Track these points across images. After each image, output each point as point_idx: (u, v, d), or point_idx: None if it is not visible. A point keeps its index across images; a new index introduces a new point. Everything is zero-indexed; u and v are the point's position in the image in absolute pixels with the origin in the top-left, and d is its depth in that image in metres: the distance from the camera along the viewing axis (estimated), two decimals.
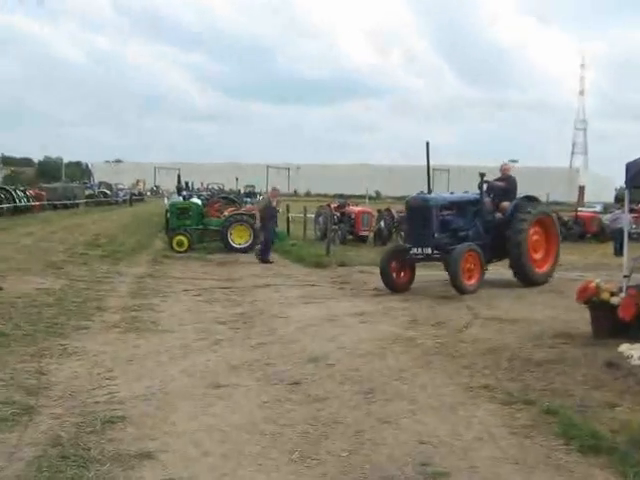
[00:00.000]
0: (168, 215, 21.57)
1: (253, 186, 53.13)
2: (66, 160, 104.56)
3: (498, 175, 14.40)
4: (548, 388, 6.49)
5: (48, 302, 10.59)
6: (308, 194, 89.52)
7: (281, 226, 23.30)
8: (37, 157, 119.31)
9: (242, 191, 39.73)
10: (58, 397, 6.07)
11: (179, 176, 27.61)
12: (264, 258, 17.75)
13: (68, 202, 45.46)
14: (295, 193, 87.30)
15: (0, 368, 6.82)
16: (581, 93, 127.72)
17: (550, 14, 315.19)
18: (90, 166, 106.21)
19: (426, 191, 13.61)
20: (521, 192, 14.18)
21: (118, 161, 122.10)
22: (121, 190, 67.48)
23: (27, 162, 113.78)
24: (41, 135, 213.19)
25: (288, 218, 24.56)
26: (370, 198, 54.98)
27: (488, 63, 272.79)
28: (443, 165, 69.08)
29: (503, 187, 13.93)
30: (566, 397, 6.19)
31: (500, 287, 13.02)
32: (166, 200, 31.10)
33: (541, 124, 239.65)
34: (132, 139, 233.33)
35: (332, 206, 24.07)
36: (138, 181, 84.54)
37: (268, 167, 68.93)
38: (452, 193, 15.29)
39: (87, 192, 55.58)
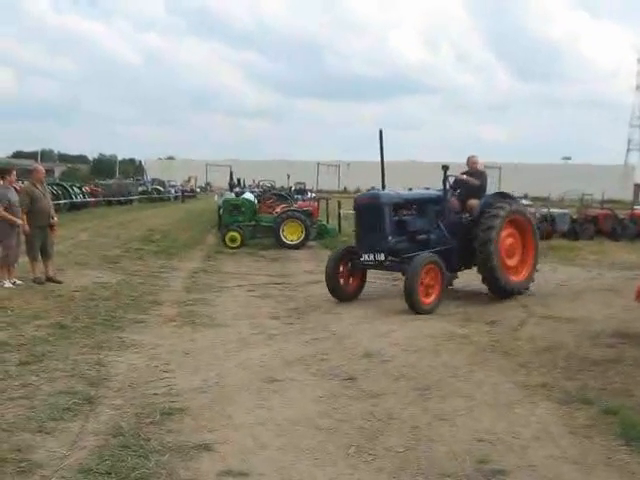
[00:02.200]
0: (220, 211, 21.84)
1: (303, 183, 53.14)
2: (120, 157, 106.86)
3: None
4: (607, 388, 6.39)
5: (105, 296, 10.79)
6: (358, 191, 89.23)
7: (332, 222, 23.34)
8: (92, 154, 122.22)
9: (293, 188, 39.76)
10: (118, 388, 6.19)
11: (231, 173, 27.73)
12: None
13: (122, 198, 46.22)
14: (345, 190, 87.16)
15: (61, 359, 6.99)
16: (637, 88, 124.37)
17: (602, 9, 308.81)
18: (143, 163, 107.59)
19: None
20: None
21: (170, 158, 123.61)
22: (173, 187, 68.13)
23: (82, 159, 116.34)
24: (96, 133, 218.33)
25: (339, 214, 24.46)
26: None
27: (540, 59, 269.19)
28: (495, 163, 68.09)
29: (477, 184, 12.07)
30: (626, 397, 6.09)
31: (554, 286, 12.82)
32: (216, 197, 31.42)
33: (595, 120, 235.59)
34: (184, 136, 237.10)
35: None
36: (190, 178, 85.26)
37: (318, 164, 68.84)
38: (410, 189, 13.12)
39: (140, 189, 56.21)
